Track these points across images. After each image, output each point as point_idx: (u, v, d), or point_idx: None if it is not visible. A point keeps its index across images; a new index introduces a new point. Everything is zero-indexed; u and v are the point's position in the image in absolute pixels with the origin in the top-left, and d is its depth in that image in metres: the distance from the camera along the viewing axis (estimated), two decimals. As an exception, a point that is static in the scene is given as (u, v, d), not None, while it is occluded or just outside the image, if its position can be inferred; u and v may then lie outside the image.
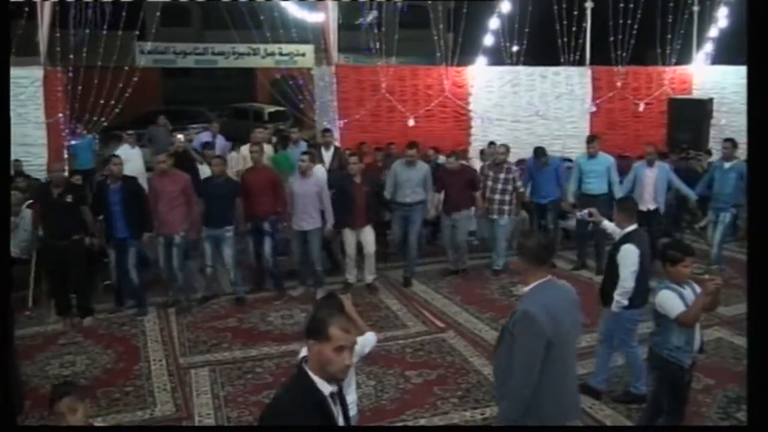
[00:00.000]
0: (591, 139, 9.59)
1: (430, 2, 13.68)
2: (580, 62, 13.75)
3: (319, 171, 8.87)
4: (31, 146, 11.90)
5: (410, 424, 5.47)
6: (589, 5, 13.52)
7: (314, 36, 14.36)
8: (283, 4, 13.94)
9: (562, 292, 3.79)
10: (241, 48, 19.29)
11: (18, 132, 11.83)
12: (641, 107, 14.15)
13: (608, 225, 6.05)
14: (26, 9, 11.85)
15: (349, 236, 8.31)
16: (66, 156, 12.44)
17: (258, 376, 6.28)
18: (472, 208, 9.03)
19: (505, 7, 13.05)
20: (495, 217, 9.00)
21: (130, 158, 10.13)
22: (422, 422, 5.47)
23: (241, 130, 16.59)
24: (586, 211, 6.32)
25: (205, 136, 11.62)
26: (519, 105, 13.43)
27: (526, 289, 3.75)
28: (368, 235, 8.34)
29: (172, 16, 14.51)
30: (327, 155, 10.11)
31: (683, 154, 11.74)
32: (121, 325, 7.50)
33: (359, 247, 8.44)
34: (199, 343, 7.05)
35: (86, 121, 12.70)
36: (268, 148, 9.68)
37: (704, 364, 5.99)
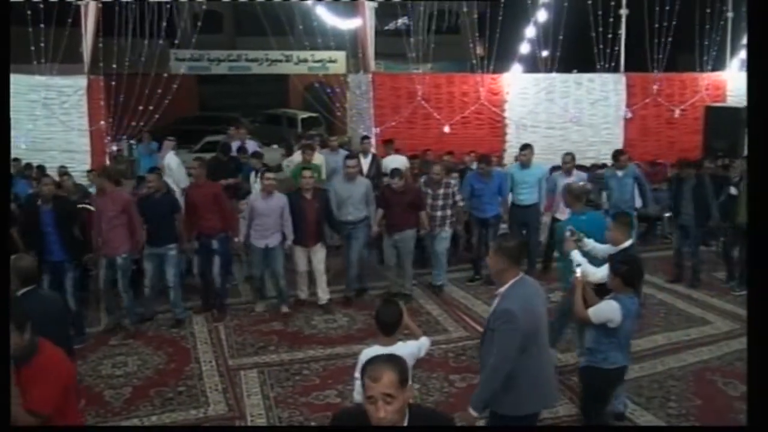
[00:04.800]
0: (524, 147, 9.38)
1: (465, 9, 13.81)
2: (615, 69, 13.80)
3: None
4: (75, 153, 12.23)
5: (456, 426, 5.57)
6: (624, 12, 13.57)
7: (349, 42, 14.53)
8: (318, 11, 14.11)
9: (534, 288, 4.07)
10: (274, 54, 19.53)
11: (62, 139, 12.22)
12: (676, 114, 14.15)
13: (588, 242, 5.78)
14: (70, 20, 12.17)
15: (300, 253, 8.05)
16: (108, 162, 12.75)
17: (306, 378, 6.41)
18: (416, 228, 8.63)
19: (541, 14, 13.14)
20: (436, 232, 8.63)
21: (174, 165, 10.32)
22: (468, 425, 5.57)
23: (274, 137, 16.84)
24: (567, 231, 6.03)
25: (236, 144, 11.45)
26: (554, 112, 13.54)
27: (504, 288, 3.96)
28: (319, 252, 8.07)
29: (204, 22, 14.76)
30: (365, 162, 10.25)
31: (719, 161, 11.71)
32: (169, 327, 7.69)
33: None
34: (246, 345, 7.20)
35: (126, 128, 13.02)
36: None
37: (741, 371, 6.05)
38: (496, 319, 3.93)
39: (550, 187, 9.21)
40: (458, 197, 8.68)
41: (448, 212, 8.61)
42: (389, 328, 4.14)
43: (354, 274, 8.58)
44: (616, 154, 9.37)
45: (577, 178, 9.11)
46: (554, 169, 10.05)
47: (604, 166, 11.13)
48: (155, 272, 7.71)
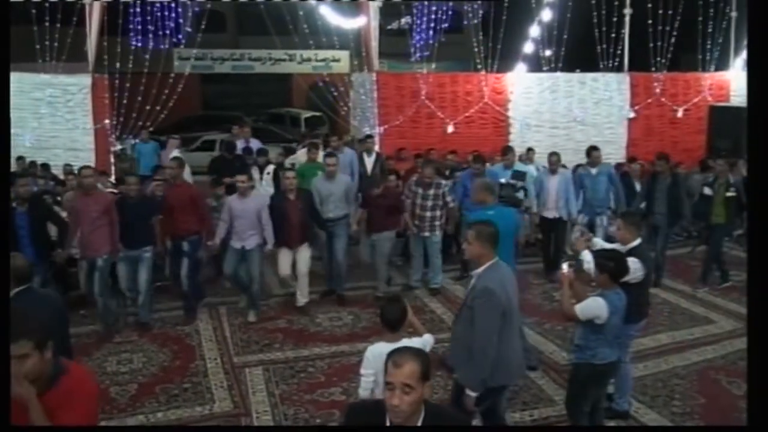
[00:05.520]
0: (506, 151, 9.40)
1: (469, 8, 13.83)
2: (619, 68, 13.81)
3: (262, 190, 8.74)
4: (80, 151, 12.26)
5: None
6: (628, 12, 13.58)
7: (353, 42, 14.53)
8: (322, 10, 14.11)
9: (507, 272, 4.44)
10: (278, 54, 19.58)
11: (67, 137, 12.26)
12: (679, 113, 14.14)
13: (597, 241, 5.89)
14: (75, 18, 12.20)
15: (284, 256, 7.93)
16: (113, 160, 12.80)
17: (311, 375, 6.43)
18: (394, 230, 8.71)
19: (545, 14, 13.17)
20: (427, 234, 8.62)
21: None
22: (472, 423, 5.58)
23: (277, 136, 16.83)
24: (578, 231, 6.06)
25: (241, 143, 11.47)
26: (557, 111, 13.55)
27: (481, 269, 4.35)
28: (303, 254, 7.93)
29: (208, 21, 14.79)
30: (369, 161, 10.29)
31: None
32: (174, 324, 7.71)
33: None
34: (251, 343, 7.23)
35: (131, 126, 13.06)
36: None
37: (745, 370, 6.03)
38: (475, 297, 4.25)
39: (537, 186, 9.28)
40: (449, 198, 8.70)
41: (438, 213, 8.61)
42: (394, 325, 4.17)
43: (343, 272, 8.54)
44: (590, 150, 9.40)
45: (562, 177, 9.18)
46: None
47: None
48: (130, 275, 7.57)
